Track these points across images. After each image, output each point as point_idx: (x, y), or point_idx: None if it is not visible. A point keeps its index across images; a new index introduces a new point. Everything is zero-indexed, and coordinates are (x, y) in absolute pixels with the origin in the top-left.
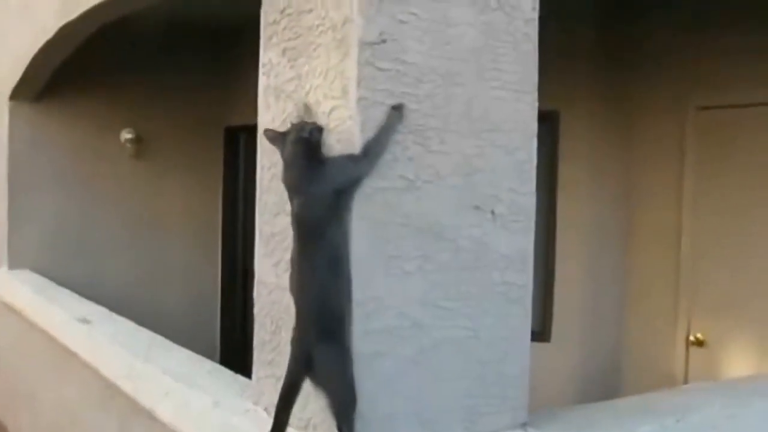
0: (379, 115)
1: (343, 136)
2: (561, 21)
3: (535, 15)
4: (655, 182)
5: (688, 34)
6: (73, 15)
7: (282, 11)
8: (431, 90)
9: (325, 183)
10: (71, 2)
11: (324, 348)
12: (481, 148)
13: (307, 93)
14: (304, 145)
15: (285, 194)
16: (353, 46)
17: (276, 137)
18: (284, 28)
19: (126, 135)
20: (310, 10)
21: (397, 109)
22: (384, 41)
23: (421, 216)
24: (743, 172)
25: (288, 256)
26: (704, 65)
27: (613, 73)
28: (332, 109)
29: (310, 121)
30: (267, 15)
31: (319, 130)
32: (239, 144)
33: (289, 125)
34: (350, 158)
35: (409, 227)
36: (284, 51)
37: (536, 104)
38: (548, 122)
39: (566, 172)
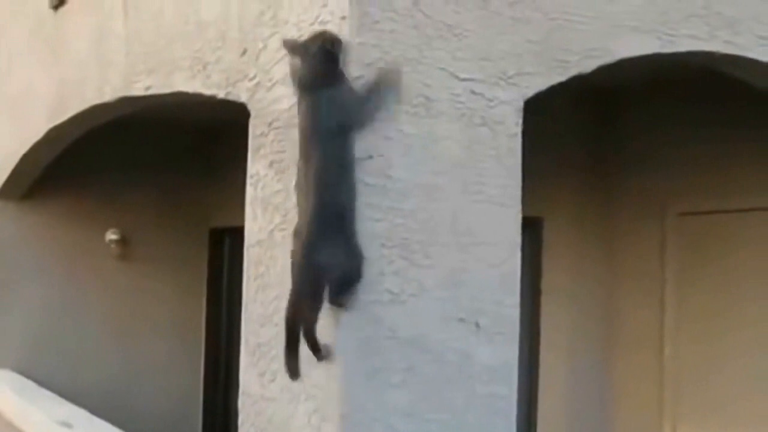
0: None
1: None
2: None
3: (519, 130)
4: (638, 287)
5: (667, 142)
6: (62, 118)
7: (270, 124)
8: (416, 204)
9: (338, 105)
10: (60, 106)
11: (331, 238)
12: (465, 261)
13: (295, 206)
14: (326, 55)
15: (271, 306)
16: None
17: (296, 46)
18: (272, 141)
19: (111, 236)
20: (297, 125)
21: (397, 73)
22: (371, 157)
23: (407, 329)
24: (724, 276)
25: (274, 365)
26: (683, 172)
27: (595, 179)
28: None
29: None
30: (255, 127)
31: (340, 43)
32: (224, 245)
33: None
34: (360, 99)
35: (394, 340)
36: (272, 163)
37: (520, 217)
38: (532, 229)
39: (550, 278)
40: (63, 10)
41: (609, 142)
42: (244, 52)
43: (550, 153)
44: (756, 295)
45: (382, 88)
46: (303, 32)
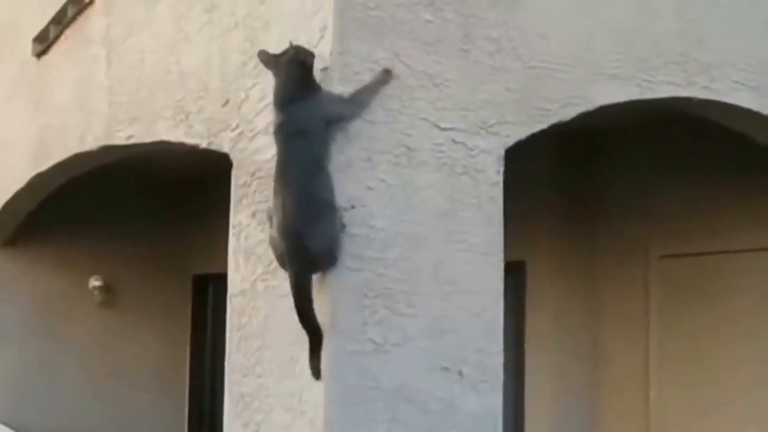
0: None
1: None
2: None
3: (500, 178)
4: (622, 330)
5: (647, 185)
6: (45, 166)
7: (252, 174)
8: (399, 254)
9: (316, 107)
10: (43, 153)
11: (314, 224)
12: (448, 310)
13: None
14: (299, 66)
15: (254, 356)
16: None
17: (269, 59)
18: (255, 191)
19: (94, 282)
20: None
21: (387, 73)
22: (353, 207)
23: (391, 378)
24: (708, 318)
25: (258, 416)
26: (665, 216)
27: (577, 223)
28: None
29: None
30: (237, 177)
31: (312, 56)
32: (208, 292)
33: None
34: (340, 98)
35: (378, 390)
36: (254, 213)
37: (502, 265)
38: (514, 273)
39: (533, 323)
40: (46, 58)
41: (590, 186)
42: (227, 102)
43: (532, 197)
44: (740, 336)
45: (371, 86)
46: None
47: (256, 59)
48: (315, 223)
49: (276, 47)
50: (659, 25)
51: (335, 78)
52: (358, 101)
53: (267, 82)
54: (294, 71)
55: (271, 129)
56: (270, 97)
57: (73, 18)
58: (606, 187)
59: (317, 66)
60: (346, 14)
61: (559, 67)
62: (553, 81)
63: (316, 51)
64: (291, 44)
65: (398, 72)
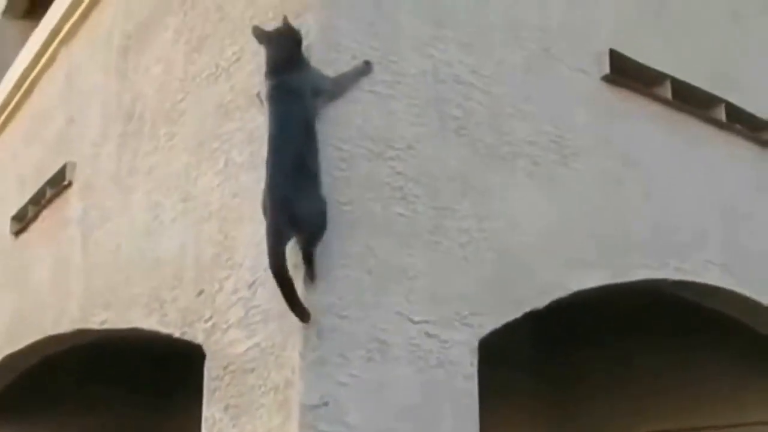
0: None
1: None
2: (499, 366)
3: (474, 370)
4: None
5: (626, 362)
6: (18, 346)
7: (225, 367)
8: None
9: (306, 76)
10: (16, 333)
11: (301, 190)
12: None
13: None
14: (290, 40)
15: None
16: (294, 409)
17: (262, 34)
18: (228, 385)
19: None
20: (253, 370)
21: (367, 64)
22: (326, 404)
23: None
24: None
25: None
26: (645, 392)
27: (556, 408)
28: None
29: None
30: (210, 370)
31: (299, 32)
32: None
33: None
34: (326, 75)
35: None
36: (227, 408)
37: None
38: None
39: None
40: (24, 236)
41: (569, 368)
42: (201, 292)
43: (508, 386)
44: None
45: (352, 73)
46: (257, 275)
47: (230, 251)
48: (302, 190)
49: (249, 238)
50: (629, 209)
51: None
52: (340, 84)
53: (241, 274)
54: (286, 43)
55: (264, 94)
56: (243, 290)
57: (51, 199)
58: (585, 367)
59: None
60: None
61: (531, 256)
62: (526, 269)
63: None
64: (285, 19)
65: (371, 267)
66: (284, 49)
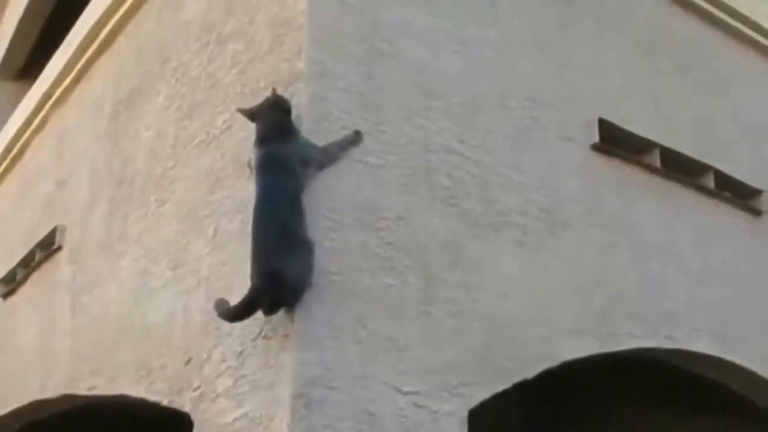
0: None
1: None
2: None
3: None
4: None
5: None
6: (2, 411)
7: None
8: None
9: (294, 147)
10: (1, 397)
11: (287, 257)
12: None
13: None
14: (278, 110)
15: None
16: None
17: (249, 111)
18: None
19: None
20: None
21: (357, 134)
22: None
23: None
24: None
25: None
26: None
27: None
28: None
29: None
30: None
31: (288, 102)
32: None
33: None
34: (315, 145)
35: None
36: None
37: None
38: None
39: None
40: (12, 299)
41: None
42: (189, 360)
43: None
44: None
45: (342, 142)
46: (245, 345)
47: (218, 320)
48: (289, 256)
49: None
50: (619, 277)
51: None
52: (329, 153)
53: (229, 343)
54: (275, 113)
55: (253, 164)
56: (231, 359)
57: (40, 262)
58: None
59: None
60: None
61: (521, 326)
62: (515, 339)
63: None
64: (274, 91)
65: (360, 337)
66: (273, 119)
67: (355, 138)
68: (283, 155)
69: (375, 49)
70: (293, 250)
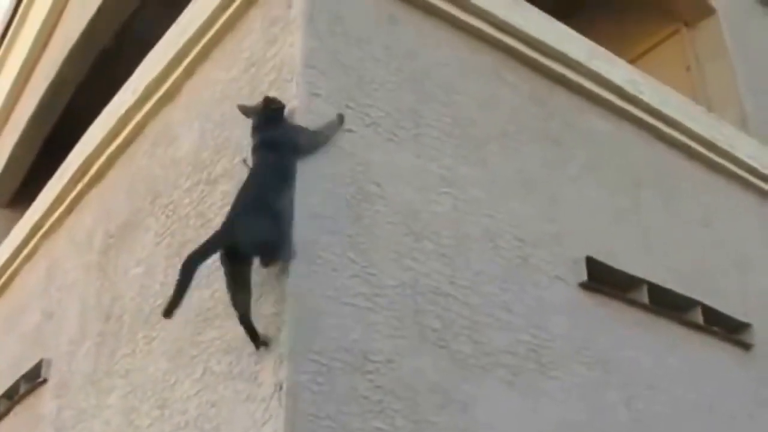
0: None
1: None
2: None
3: None
4: None
5: None
6: None
7: None
8: None
9: (285, 133)
10: None
11: (256, 220)
12: None
13: None
14: (271, 110)
15: None
16: None
17: (247, 109)
18: None
19: None
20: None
21: (339, 118)
22: None
23: None
24: None
25: None
26: None
27: None
28: None
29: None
30: None
31: (282, 103)
32: None
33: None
34: (304, 130)
35: None
36: None
37: None
38: None
39: None
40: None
41: None
42: None
43: None
44: None
45: (330, 125)
46: None
47: None
48: (256, 218)
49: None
50: (609, 416)
51: None
52: (315, 141)
53: None
54: (267, 109)
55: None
56: None
57: (25, 395)
58: None
59: None
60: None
61: None
62: None
63: None
64: (266, 97)
65: None
66: (267, 113)
67: (340, 121)
68: (275, 138)
69: (363, 191)
70: (262, 214)
